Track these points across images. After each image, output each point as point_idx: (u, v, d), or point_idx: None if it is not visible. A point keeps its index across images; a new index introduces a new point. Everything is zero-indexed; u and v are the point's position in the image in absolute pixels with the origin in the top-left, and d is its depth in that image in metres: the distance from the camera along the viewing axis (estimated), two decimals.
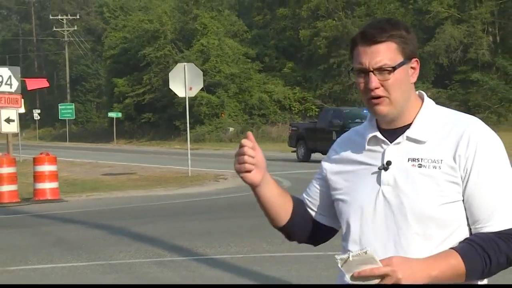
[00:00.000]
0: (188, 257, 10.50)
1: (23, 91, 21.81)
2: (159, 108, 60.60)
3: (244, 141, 2.40)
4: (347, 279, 2.24)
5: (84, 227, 13.99)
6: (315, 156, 29.78)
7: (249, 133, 2.44)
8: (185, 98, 25.08)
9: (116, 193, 20.45)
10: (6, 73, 20.43)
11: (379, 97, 2.35)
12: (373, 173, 2.41)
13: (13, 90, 20.34)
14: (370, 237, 2.39)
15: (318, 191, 2.63)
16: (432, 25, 53.84)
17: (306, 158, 30.19)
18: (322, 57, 56.16)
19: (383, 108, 2.37)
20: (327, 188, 2.58)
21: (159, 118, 61.20)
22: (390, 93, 2.35)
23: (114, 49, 67.37)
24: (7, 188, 18.20)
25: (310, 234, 2.65)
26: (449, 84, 52.81)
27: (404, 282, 2.19)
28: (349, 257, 2.20)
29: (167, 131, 59.19)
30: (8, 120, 20.39)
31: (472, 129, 2.35)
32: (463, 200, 2.32)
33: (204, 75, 28.26)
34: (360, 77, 2.38)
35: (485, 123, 2.49)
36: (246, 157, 2.40)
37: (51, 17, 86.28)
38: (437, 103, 2.48)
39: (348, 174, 2.49)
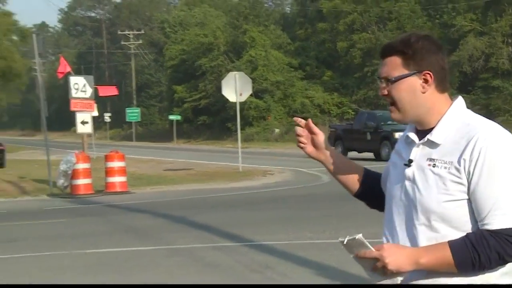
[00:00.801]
0: (239, 243, 10.51)
1: (96, 97, 22.03)
2: (213, 112, 60.80)
3: (297, 126, 2.69)
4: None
5: (149, 216, 14.11)
6: (351, 154, 29.63)
7: (309, 120, 2.69)
8: (236, 102, 25.11)
9: (176, 186, 20.56)
10: (82, 81, 20.64)
11: (391, 104, 2.44)
12: (402, 168, 2.45)
13: (87, 96, 20.55)
14: (390, 221, 2.46)
15: (386, 170, 2.67)
16: (456, 37, 53.28)
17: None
18: (357, 66, 55.91)
19: (394, 115, 2.45)
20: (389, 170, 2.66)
21: (213, 121, 61.42)
22: (396, 102, 2.41)
23: (174, 60, 67.71)
24: (82, 181, 18.43)
25: (379, 203, 2.65)
26: (472, 90, 52.17)
27: (390, 267, 2.25)
28: (344, 240, 2.31)
29: (220, 132, 59.33)
30: (83, 122, 20.60)
31: (480, 135, 2.29)
32: (469, 199, 2.30)
33: (252, 83, 28.23)
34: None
35: (505, 125, 2.49)
36: (298, 136, 2.68)
37: (119, 33, 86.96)
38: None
39: (394, 162, 2.55)
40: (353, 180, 2.70)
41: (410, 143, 2.45)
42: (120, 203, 16.42)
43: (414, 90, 2.37)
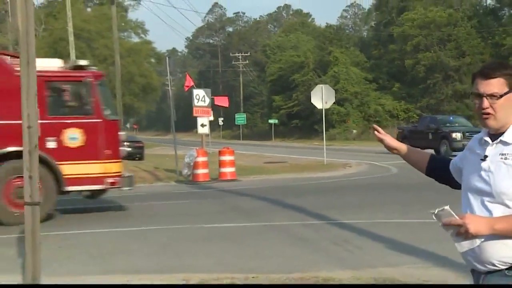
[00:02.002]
0: (324, 221, 10.47)
1: (212, 105, 22.37)
2: (303, 116, 60.71)
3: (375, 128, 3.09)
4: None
5: (252, 198, 14.21)
6: None
7: (375, 126, 3.13)
8: (322, 109, 24.98)
9: (274, 176, 20.62)
10: (202, 93, 21.00)
11: (488, 114, 2.51)
12: (478, 162, 2.56)
13: (206, 104, 20.89)
14: (468, 202, 2.55)
15: (458, 160, 2.83)
16: (506, 54, 51.22)
17: None
18: (421, 79, 54.64)
19: (490, 122, 2.53)
20: (461, 161, 2.79)
21: (303, 123, 61.33)
22: (496, 112, 2.51)
23: (273, 76, 68.04)
24: (201, 171, 18.70)
25: (446, 180, 2.89)
26: None
27: (471, 231, 2.35)
28: (435, 211, 2.39)
29: (309, 132, 59.17)
30: (202, 125, 20.94)
31: None
32: None
33: (335, 93, 27.99)
34: (477, 99, 2.54)
35: None
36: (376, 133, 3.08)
37: (231, 55, 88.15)
38: None
39: (468, 160, 2.67)
40: (422, 163, 3.00)
41: (484, 144, 2.58)
42: (230, 188, 16.59)
43: (510, 104, 2.51)
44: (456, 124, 29.29)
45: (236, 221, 10.73)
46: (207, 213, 12.03)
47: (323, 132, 27.08)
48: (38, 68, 6.39)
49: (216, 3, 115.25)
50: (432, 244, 7.87)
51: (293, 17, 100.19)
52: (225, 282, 6.44)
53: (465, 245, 2.43)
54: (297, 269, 6.91)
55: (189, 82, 22.01)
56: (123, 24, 54.44)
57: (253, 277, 6.59)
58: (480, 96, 2.51)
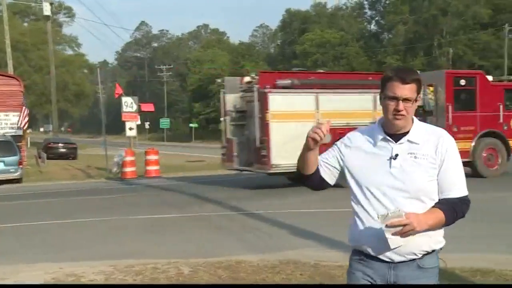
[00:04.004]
0: (238, 212, 10.42)
1: (139, 111, 21.91)
2: (220, 121, 60.66)
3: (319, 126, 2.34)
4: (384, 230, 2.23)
5: (175, 192, 14.05)
6: None
7: (328, 122, 2.38)
8: None
9: (194, 173, 20.48)
10: (130, 100, 20.60)
11: (402, 115, 2.35)
12: (385, 161, 2.37)
13: (133, 110, 20.49)
14: (374, 195, 2.36)
15: (332, 160, 2.51)
16: None
17: None
18: None
19: (401, 123, 2.37)
20: (340, 160, 2.49)
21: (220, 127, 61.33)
22: (408, 114, 2.36)
23: (193, 85, 67.55)
24: (129, 169, 18.36)
25: (317, 183, 2.53)
26: None
27: (417, 229, 2.22)
28: (388, 213, 2.22)
29: None
30: (130, 128, 20.53)
31: (444, 135, 2.41)
32: (437, 179, 2.37)
33: None
34: (391, 101, 2.35)
35: None
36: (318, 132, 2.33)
37: (156, 67, 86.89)
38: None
39: (364, 158, 2.42)
40: (313, 166, 2.49)
41: (385, 142, 2.39)
42: (155, 184, 16.38)
43: (415, 107, 2.39)
44: None
45: (160, 213, 10.56)
46: (134, 206, 11.80)
47: None
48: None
49: (143, 21, 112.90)
50: (329, 229, 8.05)
51: (211, 35, 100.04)
52: (149, 267, 6.30)
53: (400, 242, 2.23)
54: (213, 254, 6.87)
55: (119, 90, 21.48)
56: (58, 38, 52.48)
57: (174, 262, 6.49)
58: (395, 99, 2.33)
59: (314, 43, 57.46)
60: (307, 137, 2.36)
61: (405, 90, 2.33)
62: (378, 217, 2.24)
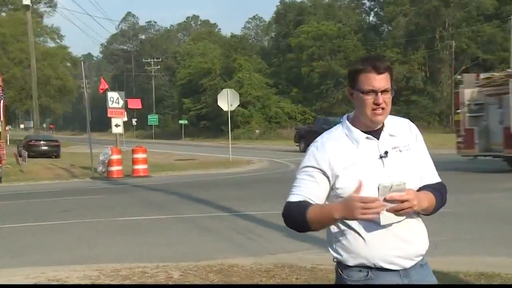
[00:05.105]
0: (229, 213, 10.49)
1: (126, 107, 21.87)
2: (211, 118, 60.57)
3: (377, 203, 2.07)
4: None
5: (164, 193, 14.05)
6: None
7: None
8: (227, 111, 25.10)
9: (184, 172, 20.50)
10: (116, 95, 20.52)
11: (382, 109, 2.21)
12: (376, 159, 2.22)
13: (120, 106, 20.42)
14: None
15: (322, 192, 2.27)
16: None
17: (305, 150, 29.82)
18: (315, 85, 56.12)
19: (381, 118, 2.23)
20: (328, 186, 2.27)
21: (211, 124, 61.19)
22: (387, 107, 2.22)
23: (183, 80, 67.44)
24: (116, 168, 18.34)
25: None
26: (397, 103, 52.59)
27: (416, 207, 2.12)
28: (392, 185, 2.09)
29: (216, 132, 59.13)
30: (117, 125, 20.46)
31: (409, 121, 2.37)
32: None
33: (239, 97, 28.17)
34: (368, 95, 2.19)
35: (420, 127, 2.51)
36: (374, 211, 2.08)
37: (143, 60, 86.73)
38: (391, 115, 2.42)
39: (353, 165, 2.22)
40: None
41: (366, 141, 2.24)
42: (142, 184, 16.36)
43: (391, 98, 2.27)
44: None
45: (148, 214, 10.54)
46: (121, 207, 11.77)
47: (229, 132, 27.18)
48: None
49: (129, 12, 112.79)
50: (322, 231, 8.06)
51: (201, 27, 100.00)
52: (137, 271, 6.29)
53: (393, 219, 2.11)
54: (204, 257, 6.86)
55: (104, 85, 21.42)
56: (38, 29, 52.17)
57: (163, 266, 6.48)
58: (373, 92, 2.18)
59: (310, 35, 57.55)
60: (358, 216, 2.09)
61: (382, 80, 2.19)
62: (378, 188, 2.08)
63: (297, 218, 2.27)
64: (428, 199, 2.21)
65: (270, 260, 6.61)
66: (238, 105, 30.47)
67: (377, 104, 2.19)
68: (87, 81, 25.39)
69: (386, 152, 2.23)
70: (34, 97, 35.78)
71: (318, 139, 2.37)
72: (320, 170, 2.26)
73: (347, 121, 2.31)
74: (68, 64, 56.73)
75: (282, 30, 66.61)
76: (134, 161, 18.94)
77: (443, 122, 50.85)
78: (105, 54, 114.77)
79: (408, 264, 2.21)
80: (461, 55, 52.00)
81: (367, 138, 2.24)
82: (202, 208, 11.14)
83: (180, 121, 64.05)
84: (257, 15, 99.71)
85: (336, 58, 55.71)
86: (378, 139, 2.25)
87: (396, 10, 54.98)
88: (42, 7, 59.02)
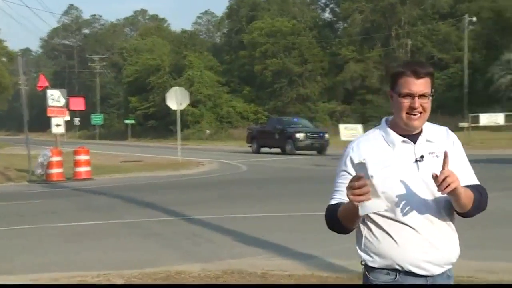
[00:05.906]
0: (176, 217, 10.40)
1: (68, 105, 21.38)
2: (159, 117, 60.01)
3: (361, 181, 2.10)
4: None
5: (107, 196, 13.82)
6: (263, 149, 29.93)
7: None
8: (176, 110, 24.91)
9: (129, 174, 20.21)
10: (57, 93, 20.06)
11: (420, 113, 2.32)
12: (411, 163, 2.32)
13: (61, 105, 19.97)
14: (413, 200, 2.29)
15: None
16: (341, 63, 54.39)
17: (257, 151, 30.11)
18: (269, 83, 56.29)
19: (417, 122, 2.33)
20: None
21: (159, 124, 60.64)
22: (425, 112, 2.33)
23: (129, 77, 66.52)
24: (56, 170, 17.94)
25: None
26: (352, 102, 53.35)
27: (454, 185, 2.16)
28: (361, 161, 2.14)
29: (164, 133, 58.62)
30: (57, 125, 20.00)
31: (449, 131, 2.46)
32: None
33: (189, 95, 27.97)
34: (405, 99, 2.31)
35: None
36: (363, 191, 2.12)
37: (87, 56, 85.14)
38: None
39: (388, 167, 2.31)
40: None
41: (404, 145, 2.34)
42: (85, 187, 16.04)
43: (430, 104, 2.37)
44: (300, 125, 30.60)
45: (90, 219, 10.33)
46: (58, 212, 11.51)
47: (178, 132, 26.96)
48: None
49: (71, 5, 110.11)
50: (274, 235, 8.09)
51: (149, 21, 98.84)
52: (77, 280, 6.15)
53: (371, 207, 2.12)
54: (150, 264, 6.78)
55: (43, 82, 20.87)
56: None
57: (104, 274, 6.36)
58: (410, 95, 2.30)
59: (264, 32, 57.78)
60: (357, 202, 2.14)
61: (421, 85, 2.30)
62: (355, 165, 2.18)
63: (332, 218, 2.37)
64: (466, 191, 2.26)
65: (219, 267, 6.58)
66: (188, 104, 30.27)
67: (414, 108, 2.30)
68: (25, 77, 24.70)
69: (422, 156, 2.33)
70: None
71: (355, 140, 2.49)
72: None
73: (385, 124, 2.44)
74: (4, 59, 55.17)
75: (235, 26, 66.63)
76: (76, 163, 18.58)
77: None
78: (46, 49, 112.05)
79: (437, 270, 2.30)
80: (417, 54, 53.23)
81: (403, 141, 2.36)
82: (148, 213, 11.01)
83: (126, 121, 63.22)
84: (208, 10, 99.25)
85: (291, 56, 56.10)
86: (415, 143, 2.36)
87: (352, 6, 55.81)
88: None
